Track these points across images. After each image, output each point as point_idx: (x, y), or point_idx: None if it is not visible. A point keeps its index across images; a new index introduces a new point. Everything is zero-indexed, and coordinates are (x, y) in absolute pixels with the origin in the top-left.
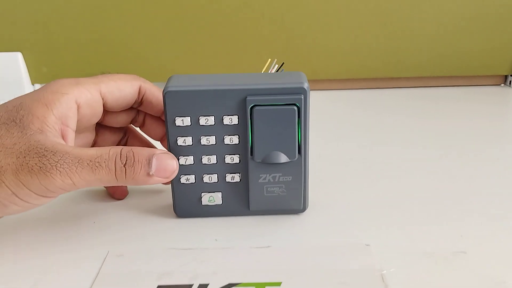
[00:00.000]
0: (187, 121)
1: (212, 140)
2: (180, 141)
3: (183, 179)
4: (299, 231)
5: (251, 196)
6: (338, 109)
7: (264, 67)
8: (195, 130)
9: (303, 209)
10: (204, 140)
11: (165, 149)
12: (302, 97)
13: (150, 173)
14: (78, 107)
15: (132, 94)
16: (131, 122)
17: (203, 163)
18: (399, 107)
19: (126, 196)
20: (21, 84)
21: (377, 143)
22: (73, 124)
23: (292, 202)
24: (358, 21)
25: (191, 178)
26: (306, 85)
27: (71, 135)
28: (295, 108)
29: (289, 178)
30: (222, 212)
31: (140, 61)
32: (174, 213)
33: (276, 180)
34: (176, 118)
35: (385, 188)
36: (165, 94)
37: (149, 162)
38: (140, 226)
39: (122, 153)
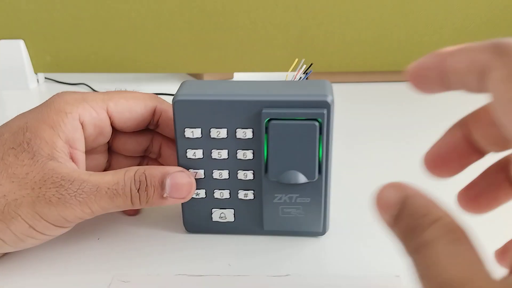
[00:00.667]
0: (197, 133)
1: (224, 154)
2: (190, 153)
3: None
4: (320, 257)
5: (265, 216)
6: (356, 104)
7: (291, 67)
8: (206, 142)
9: (322, 232)
10: (215, 154)
11: (181, 168)
12: (325, 112)
13: (164, 195)
14: (82, 126)
15: (144, 116)
16: (146, 152)
17: (214, 177)
18: (423, 101)
19: (139, 213)
20: (23, 73)
21: (408, 146)
22: (81, 145)
23: (310, 225)
24: (379, 11)
25: (202, 193)
26: (330, 98)
27: (81, 157)
28: (317, 124)
29: (308, 200)
30: (234, 230)
31: (148, 50)
32: (184, 228)
33: (293, 201)
34: (185, 129)
35: None
36: (174, 103)
37: (162, 184)
38: (148, 243)
39: (135, 177)
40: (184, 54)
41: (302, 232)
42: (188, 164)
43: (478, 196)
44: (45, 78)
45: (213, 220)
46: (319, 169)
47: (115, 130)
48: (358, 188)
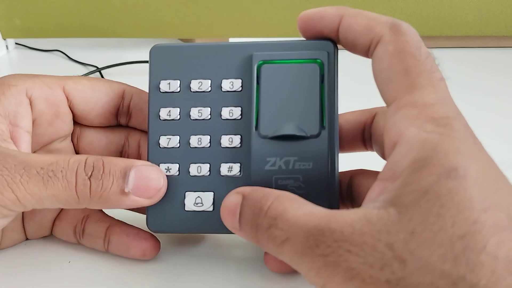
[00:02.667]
0: (175, 85)
1: (205, 113)
2: (164, 113)
3: (162, 168)
4: None
5: None
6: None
7: None
8: (185, 98)
9: None
10: (195, 113)
11: (149, 162)
12: (327, 54)
13: (126, 190)
14: (31, 102)
15: (110, 97)
16: (122, 155)
17: (191, 146)
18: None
19: (155, 254)
20: None
21: None
22: (26, 123)
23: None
24: None
25: (174, 168)
26: (333, 42)
27: (25, 138)
28: (317, 66)
29: (309, 165)
30: (214, 227)
31: (132, 12)
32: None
33: (290, 167)
34: (161, 82)
35: None
36: (151, 50)
37: (124, 175)
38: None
39: (87, 161)
40: (173, 17)
41: None
42: (161, 128)
43: None
44: (16, 44)
45: (186, 208)
46: (322, 124)
47: (78, 125)
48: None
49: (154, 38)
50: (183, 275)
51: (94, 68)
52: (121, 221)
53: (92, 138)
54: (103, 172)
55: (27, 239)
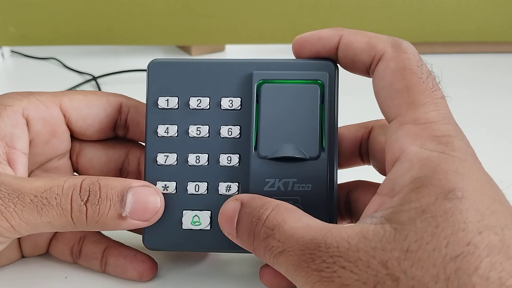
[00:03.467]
0: (173, 102)
1: (204, 131)
2: (161, 130)
3: (159, 186)
4: None
5: None
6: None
7: None
8: (183, 115)
9: None
10: (193, 131)
11: (147, 182)
12: (328, 74)
13: (123, 215)
14: (27, 122)
15: (108, 113)
16: (122, 173)
17: (189, 164)
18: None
19: (152, 276)
20: None
21: None
22: (22, 145)
23: None
24: None
25: (171, 186)
26: (334, 62)
27: (21, 160)
28: (317, 87)
29: (308, 187)
30: (212, 245)
31: (128, 19)
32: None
33: (289, 188)
34: (159, 98)
35: None
36: (149, 66)
37: (122, 199)
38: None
39: (83, 185)
40: (170, 24)
41: None
42: (158, 145)
43: None
44: (12, 51)
45: (183, 227)
46: (321, 144)
47: (77, 142)
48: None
49: (150, 45)
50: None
51: (90, 77)
52: (118, 242)
53: (91, 155)
54: (99, 196)
55: (23, 256)
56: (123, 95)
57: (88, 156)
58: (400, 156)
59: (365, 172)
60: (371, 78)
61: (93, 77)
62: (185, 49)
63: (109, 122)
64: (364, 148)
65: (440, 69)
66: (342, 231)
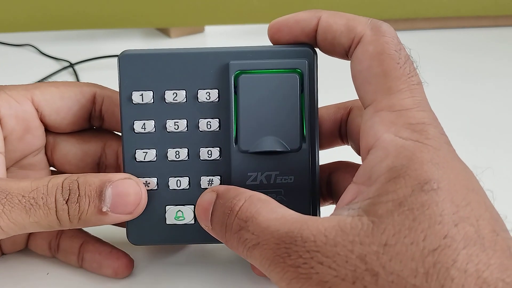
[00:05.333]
0: (148, 97)
1: (182, 125)
2: (138, 126)
3: None
4: None
5: None
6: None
7: None
8: (159, 110)
9: None
10: (170, 125)
11: (129, 174)
12: (307, 62)
13: (104, 210)
14: (0, 120)
15: (81, 103)
16: (100, 167)
17: (169, 159)
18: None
19: (127, 273)
20: None
21: None
22: None
23: None
24: None
25: (152, 183)
26: (313, 49)
27: None
28: (296, 76)
29: (290, 179)
30: (195, 238)
31: (104, 2)
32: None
33: (272, 181)
34: (133, 93)
35: None
36: (119, 59)
37: (100, 194)
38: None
39: (64, 185)
40: (147, 5)
41: None
42: (136, 142)
43: None
44: None
45: (167, 222)
46: (302, 136)
47: (51, 136)
48: None
49: (127, 28)
50: (167, 283)
51: (67, 64)
52: (95, 237)
53: (66, 150)
54: (78, 194)
55: (3, 254)
56: (96, 84)
57: (63, 152)
58: (375, 143)
59: (346, 152)
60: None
61: (70, 63)
62: (164, 31)
63: (84, 113)
64: (343, 129)
65: (420, 47)
66: (319, 224)
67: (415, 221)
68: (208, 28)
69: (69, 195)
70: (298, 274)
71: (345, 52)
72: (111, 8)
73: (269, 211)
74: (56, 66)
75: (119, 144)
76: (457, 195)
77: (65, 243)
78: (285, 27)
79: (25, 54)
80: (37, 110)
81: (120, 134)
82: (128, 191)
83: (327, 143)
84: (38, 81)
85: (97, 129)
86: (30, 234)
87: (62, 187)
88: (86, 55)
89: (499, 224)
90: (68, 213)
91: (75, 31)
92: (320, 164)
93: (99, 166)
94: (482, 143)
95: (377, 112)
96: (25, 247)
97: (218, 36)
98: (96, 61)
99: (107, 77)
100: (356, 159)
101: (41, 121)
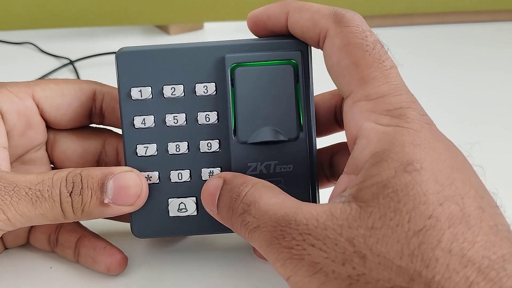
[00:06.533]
0: (146, 92)
1: (181, 119)
2: (138, 121)
3: None
4: None
5: None
6: None
7: None
8: (158, 105)
9: None
10: (170, 120)
11: (130, 168)
12: (301, 53)
13: (105, 201)
14: (2, 116)
15: (81, 100)
16: (100, 164)
17: (169, 153)
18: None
19: (120, 270)
20: None
21: None
22: (1, 140)
23: None
24: None
25: (154, 176)
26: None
27: (2, 154)
28: (291, 67)
29: (290, 168)
30: (199, 229)
31: (104, 0)
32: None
33: (271, 170)
34: (132, 89)
35: None
36: (117, 56)
37: (102, 186)
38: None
39: (68, 178)
40: (146, 3)
41: None
42: (137, 137)
43: None
44: None
45: (171, 215)
46: (299, 125)
47: (51, 133)
48: None
49: (126, 25)
50: (169, 276)
51: (67, 61)
52: (92, 232)
53: (65, 147)
54: (81, 187)
55: (5, 248)
56: (96, 82)
57: (62, 148)
58: (357, 133)
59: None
60: None
61: (70, 61)
62: (163, 28)
63: (83, 110)
64: (339, 115)
65: (419, 42)
66: (312, 209)
67: (400, 203)
68: (207, 25)
69: (72, 187)
70: (291, 255)
71: (315, 44)
72: (111, 5)
73: (270, 196)
74: (56, 63)
75: (119, 141)
76: (440, 175)
77: (63, 237)
78: (260, 21)
79: (25, 52)
80: (37, 106)
81: (120, 131)
82: (129, 183)
83: (325, 130)
84: (39, 79)
85: (97, 126)
86: (31, 228)
87: (66, 180)
88: (86, 53)
89: (485, 201)
90: (72, 205)
91: (74, 28)
92: (322, 147)
93: (99, 164)
94: (482, 128)
95: (355, 103)
96: (26, 242)
97: (217, 33)
98: (96, 58)
99: (107, 74)
100: None
101: (42, 117)
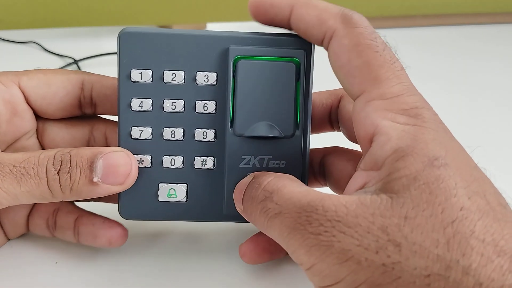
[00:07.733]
0: (147, 75)
1: (179, 105)
2: (135, 103)
3: None
4: None
5: (227, 188)
6: None
7: None
8: (157, 89)
9: None
10: (168, 105)
11: (122, 148)
12: (304, 52)
13: (95, 180)
14: None
15: (67, 90)
16: None
17: (164, 138)
18: (417, 50)
19: (122, 242)
20: None
21: None
22: None
23: None
24: None
25: (146, 160)
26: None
27: None
28: (293, 65)
29: (282, 164)
30: (186, 215)
31: (108, 0)
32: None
33: (264, 165)
34: (132, 71)
35: None
36: (120, 36)
37: (91, 165)
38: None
39: (56, 156)
40: (150, 3)
41: None
42: (133, 119)
43: None
44: None
45: (160, 199)
46: (296, 123)
47: (41, 121)
48: None
49: (129, 25)
50: (174, 268)
51: (71, 60)
52: (89, 211)
53: (54, 135)
54: (70, 165)
55: (8, 239)
56: (85, 72)
57: (51, 136)
58: (375, 131)
59: (337, 138)
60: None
61: (74, 60)
62: (164, 28)
63: (71, 100)
64: (334, 115)
65: (420, 44)
66: (340, 197)
67: (432, 195)
68: (210, 26)
69: (60, 166)
70: (319, 241)
71: (319, 42)
72: (115, 5)
73: (294, 185)
74: (60, 63)
75: (107, 126)
76: (464, 171)
77: (61, 220)
78: (261, 8)
79: (29, 51)
80: (24, 94)
81: (111, 118)
82: (119, 162)
83: (317, 128)
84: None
85: (88, 116)
86: (29, 215)
87: (54, 159)
88: (90, 52)
89: (503, 199)
90: (60, 183)
91: (79, 28)
92: (314, 148)
93: None
94: (482, 130)
95: (369, 102)
96: (27, 230)
97: None
98: (100, 58)
99: (111, 73)
100: (346, 144)
101: (29, 105)
